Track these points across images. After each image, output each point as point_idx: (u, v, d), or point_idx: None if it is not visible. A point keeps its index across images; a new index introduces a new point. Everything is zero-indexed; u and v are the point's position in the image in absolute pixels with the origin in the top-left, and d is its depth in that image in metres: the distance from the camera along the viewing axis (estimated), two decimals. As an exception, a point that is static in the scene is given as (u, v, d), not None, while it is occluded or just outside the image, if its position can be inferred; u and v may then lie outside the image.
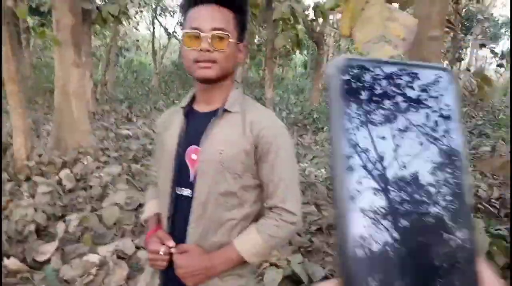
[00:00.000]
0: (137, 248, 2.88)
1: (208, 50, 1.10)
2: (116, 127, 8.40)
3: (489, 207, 4.33)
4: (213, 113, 1.17)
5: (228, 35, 1.12)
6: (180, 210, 1.17)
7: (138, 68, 27.12)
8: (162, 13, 23.21)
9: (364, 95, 0.26)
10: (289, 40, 8.45)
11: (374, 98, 0.27)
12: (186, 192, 1.16)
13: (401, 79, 0.28)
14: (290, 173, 1.15)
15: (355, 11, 1.73)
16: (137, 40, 22.80)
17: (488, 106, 10.79)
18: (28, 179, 4.48)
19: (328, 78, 0.27)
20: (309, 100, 13.56)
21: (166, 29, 23.85)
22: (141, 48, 23.99)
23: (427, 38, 1.98)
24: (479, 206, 4.34)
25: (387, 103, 0.27)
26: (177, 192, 1.17)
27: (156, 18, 21.29)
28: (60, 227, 2.95)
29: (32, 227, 3.07)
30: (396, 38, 1.54)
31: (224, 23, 1.13)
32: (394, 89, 0.27)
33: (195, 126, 1.18)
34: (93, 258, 2.52)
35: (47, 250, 2.76)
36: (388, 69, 0.28)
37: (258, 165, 1.14)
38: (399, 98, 0.27)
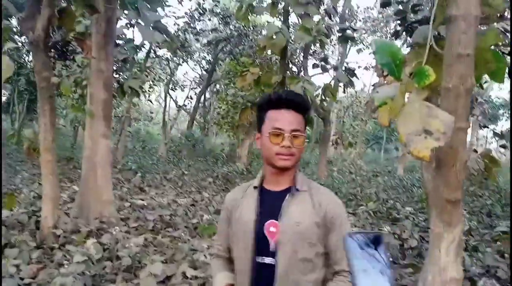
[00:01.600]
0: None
1: (289, 147, 1.37)
2: (130, 197, 8.53)
3: (509, 287, 4.34)
4: (284, 192, 1.41)
5: (303, 135, 1.41)
6: (261, 277, 1.35)
7: (146, 138, 27.88)
8: (173, 87, 24.34)
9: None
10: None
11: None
12: (267, 260, 1.35)
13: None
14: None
15: (395, 106, 2.01)
16: (151, 112, 23.64)
17: (493, 185, 10.97)
18: (53, 248, 4.58)
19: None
20: (316, 174, 13.78)
21: (176, 102, 24.88)
22: (152, 119, 24.75)
23: (455, 129, 2.23)
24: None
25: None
26: (257, 260, 1.36)
27: (168, 93, 22.27)
28: (99, 296, 3.01)
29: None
30: (437, 131, 1.79)
31: (300, 125, 1.41)
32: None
33: (270, 203, 1.41)
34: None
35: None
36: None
37: (326, 235, 1.36)
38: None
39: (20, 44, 19.17)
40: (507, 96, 21.78)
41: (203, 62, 23.73)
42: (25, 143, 4.78)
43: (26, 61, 21.01)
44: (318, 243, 1.36)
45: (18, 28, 16.01)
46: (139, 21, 4.60)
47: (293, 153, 1.39)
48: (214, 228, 5.82)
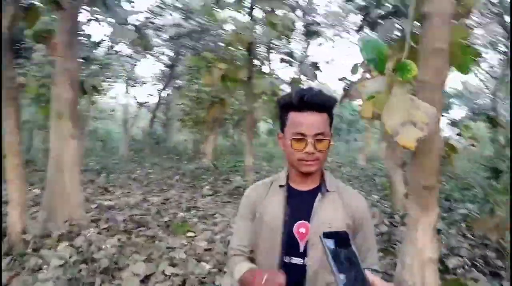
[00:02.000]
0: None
1: (313, 153, 1.33)
2: (96, 199, 8.31)
3: (473, 267, 4.62)
4: (313, 192, 1.39)
5: (328, 139, 1.36)
6: (288, 276, 1.27)
7: (104, 137, 27.07)
8: (133, 83, 23.75)
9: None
10: (269, 111, 8.97)
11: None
12: (295, 260, 1.34)
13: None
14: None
15: (380, 99, 2.09)
16: (113, 110, 22.97)
17: (450, 172, 11.53)
18: (23, 254, 4.40)
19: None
20: (281, 168, 13.95)
21: (136, 100, 24.29)
22: (113, 118, 24.05)
23: (432, 119, 2.33)
24: (464, 266, 4.62)
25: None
26: (285, 260, 1.34)
27: (127, 90, 21.75)
28: (82, 300, 2.95)
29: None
30: (421, 122, 1.88)
31: (324, 127, 1.36)
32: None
33: (298, 203, 1.38)
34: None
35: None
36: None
37: (353, 235, 1.36)
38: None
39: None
40: (460, 86, 22.91)
41: (164, 57, 23.30)
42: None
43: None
44: None
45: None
46: (108, 18, 4.46)
47: (318, 158, 1.35)
48: (187, 225, 5.79)
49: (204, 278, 3.96)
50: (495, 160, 7.97)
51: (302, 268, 1.33)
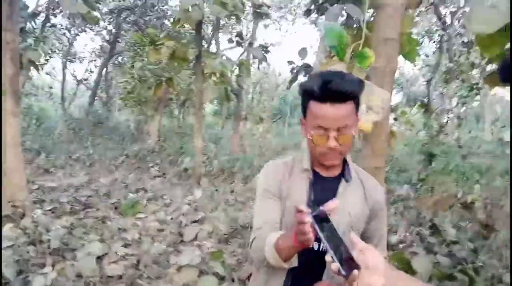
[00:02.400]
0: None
1: (335, 147, 1.24)
2: (36, 180, 7.93)
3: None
4: (336, 179, 1.37)
5: (352, 131, 1.24)
6: (306, 260, 1.31)
7: (39, 116, 25.53)
8: (71, 59, 22.52)
9: None
10: (218, 93, 8.97)
11: None
12: (315, 245, 1.32)
13: None
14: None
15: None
16: (51, 87, 21.64)
17: (388, 155, 12.21)
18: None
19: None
20: (228, 149, 14.05)
21: (75, 76, 23.09)
22: (51, 95, 22.70)
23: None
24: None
25: None
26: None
27: (66, 65, 20.59)
28: (38, 280, 2.87)
29: (-5, 285, 2.94)
30: (377, 107, 2.05)
31: (348, 119, 1.22)
32: None
33: (321, 188, 1.34)
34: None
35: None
36: None
37: (368, 221, 1.39)
38: None
39: None
40: (397, 73, 24.06)
41: (104, 32, 22.23)
42: None
43: None
44: (363, 229, 1.39)
45: None
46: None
47: (341, 152, 1.27)
48: (138, 206, 5.74)
49: (158, 258, 3.99)
50: (429, 145, 8.61)
51: (319, 253, 1.32)
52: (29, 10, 11.66)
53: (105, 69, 22.62)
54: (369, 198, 1.37)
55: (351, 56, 2.20)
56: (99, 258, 3.83)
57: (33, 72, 15.56)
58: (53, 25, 17.27)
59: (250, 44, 9.65)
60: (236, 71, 10.05)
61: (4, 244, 3.34)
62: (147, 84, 15.55)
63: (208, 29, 17.27)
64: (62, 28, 18.97)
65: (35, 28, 15.19)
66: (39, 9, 15.28)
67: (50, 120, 23.48)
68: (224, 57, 9.17)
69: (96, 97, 23.15)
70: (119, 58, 23.42)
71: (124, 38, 20.80)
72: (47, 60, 18.94)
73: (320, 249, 1.33)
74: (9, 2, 5.06)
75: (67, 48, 20.68)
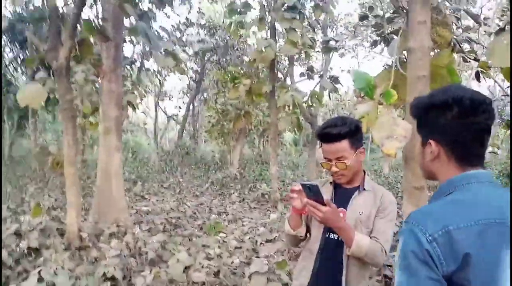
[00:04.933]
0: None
1: (336, 171, 1.84)
2: (135, 205, 9.11)
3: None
4: (354, 189, 1.91)
5: (345, 161, 1.80)
6: (328, 247, 1.87)
7: (135, 149, 28.24)
8: (162, 97, 24.87)
9: None
10: (291, 123, 9.61)
11: None
12: (332, 235, 1.86)
13: None
14: (390, 228, 1.86)
15: (371, 118, 2.71)
16: (145, 123, 24.13)
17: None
18: (79, 248, 5.17)
19: None
20: (305, 176, 14.49)
21: (165, 112, 25.39)
22: (146, 131, 25.21)
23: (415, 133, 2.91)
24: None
25: None
26: (326, 236, 1.89)
27: (158, 103, 22.84)
28: (139, 281, 3.64)
29: (107, 284, 3.76)
30: (400, 136, 2.49)
31: (342, 152, 1.80)
32: None
33: (341, 196, 1.91)
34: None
35: (128, 300, 3.44)
36: None
37: (375, 219, 1.86)
38: None
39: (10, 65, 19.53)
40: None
41: (190, 72, 24.34)
42: (50, 157, 5.35)
43: (15, 78, 21.35)
44: (371, 226, 1.83)
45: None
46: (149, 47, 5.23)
47: (342, 174, 1.84)
48: (220, 226, 6.47)
49: (235, 269, 4.60)
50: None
51: (337, 242, 1.83)
52: (127, 55, 13.47)
53: (191, 105, 24.61)
54: (378, 202, 1.86)
55: (382, 94, 2.67)
56: (186, 268, 4.54)
57: (130, 111, 17.63)
58: (147, 69, 19.45)
59: (321, 76, 10.21)
60: (309, 102, 10.63)
61: (113, 253, 4.19)
62: (228, 117, 16.75)
63: (284, 62, 18.24)
64: (154, 71, 21.18)
65: (131, 74, 17.33)
66: (134, 55, 17.47)
67: (144, 153, 25.88)
68: (297, 89, 9.82)
69: (184, 131, 25.15)
70: (204, 95, 25.38)
71: (208, 77, 22.63)
72: (141, 100, 21.27)
73: (339, 238, 1.82)
74: (113, 58, 6.25)
75: (158, 89, 22.94)
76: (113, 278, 3.95)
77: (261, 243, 5.86)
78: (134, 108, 12.12)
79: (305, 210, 1.78)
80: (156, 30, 9.24)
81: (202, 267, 4.48)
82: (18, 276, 4.37)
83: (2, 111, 14.50)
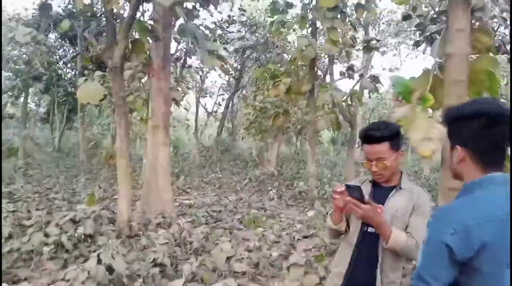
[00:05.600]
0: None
1: (375, 171, 2.00)
2: (177, 198, 9.53)
3: None
4: (391, 188, 2.07)
5: (384, 162, 1.96)
6: (365, 240, 2.05)
7: (176, 144, 29.06)
8: (203, 94, 25.44)
9: None
10: (330, 121, 9.70)
11: None
12: (370, 229, 2.04)
13: None
14: (423, 225, 1.91)
15: (408, 121, 2.85)
16: (187, 120, 24.88)
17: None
18: (129, 236, 5.57)
19: None
20: (343, 175, 14.49)
21: (206, 109, 25.97)
22: (188, 127, 25.93)
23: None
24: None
25: None
26: (364, 229, 2.07)
27: (199, 100, 23.41)
28: (186, 267, 3.95)
29: (156, 270, 4.09)
30: (436, 138, 2.62)
31: (382, 153, 1.96)
32: None
33: (380, 194, 2.08)
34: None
35: (176, 285, 3.75)
36: None
37: (410, 216, 2.00)
38: None
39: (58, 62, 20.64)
40: None
41: (231, 69, 24.79)
42: (104, 151, 5.78)
43: (64, 73, 22.52)
44: (407, 222, 1.97)
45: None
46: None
47: (381, 173, 2.00)
48: (259, 220, 6.72)
49: (273, 261, 4.83)
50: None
51: (375, 235, 2.00)
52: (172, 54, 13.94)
53: (231, 102, 25.06)
54: (414, 200, 2.01)
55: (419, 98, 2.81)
56: (228, 258, 4.82)
57: (173, 107, 18.21)
58: (189, 66, 20.00)
59: (361, 75, 10.20)
60: (348, 101, 10.66)
61: (161, 241, 4.53)
62: (267, 115, 16.95)
63: (324, 60, 18.24)
64: (196, 68, 21.73)
65: (175, 71, 17.90)
66: (178, 53, 17.99)
67: (185, 148, 26.62)
68: (336, 88, 9.88)
69: (223, 127, 25.65)
70: (243, 92, 25.76)
71: (247, 74, 22.98)
72: (184, 96, 21.88)
73: (375, 232, 1.99)
74: (163, 56, 6.61)
75: (200, 85, 23.52)
76: (161, 264, 4.28)
77: (298, 239, 6.05)
78: (178, 105, 12.52)
79: (346, 208, 1.98)
80: (200, 27, 9.57)
81: (243, 258, 4.74)
82: (75, 260, 4.81)
83: (1, 109, 15.24)
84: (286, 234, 6.34)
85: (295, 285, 3.59)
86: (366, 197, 2.02)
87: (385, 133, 1.97)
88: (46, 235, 5.15)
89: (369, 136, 1.99)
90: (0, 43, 5.02)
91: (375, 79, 9.96)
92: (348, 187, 1.90)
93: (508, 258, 1.15)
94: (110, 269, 3.76)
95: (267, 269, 4.54)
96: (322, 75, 16.93)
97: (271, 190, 11.47)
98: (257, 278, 4.29)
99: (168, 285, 3.82)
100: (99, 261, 3.77)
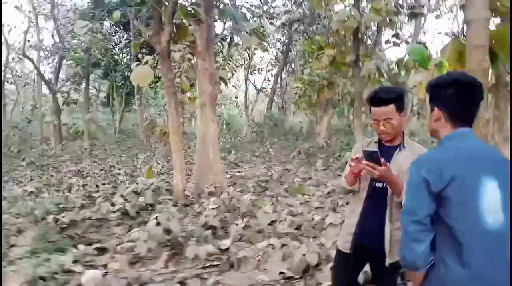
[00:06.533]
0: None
1: (383, 129, 2.15)
2: (229, 171, 10.11)
3: None
4: (395, 147, 2.27)
5: (391, 121, 2.12)
6: (374, 193, 2.28)
7: (228, 121, 29.86)
8: (252, 71, 25.81)
9: None
10: (375, 92, 9.71)
11: None
12: (378, 184, 2.28)
13: None
14: None
15: (421, 86, 3.05)
16: (236, 97, 25.50)
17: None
18: (185, 205, 6.18)
19: None
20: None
21: (255, 85, 26.39)
22: (237, 104, 26.59)
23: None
24: None
25: None
26: (373, 184, 2.30)
27: (248, 77, 23.84)
28: (233, 228, 4.43)
29: (208, 231, 4.60)
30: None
31: (389, 114, 2.12)
32: None
33: (385, 153, 2.24)
34: (260, 245, 3.95)
35: (225, 243, 4.24)
36: None
37: None
38: None
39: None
40: None
41: (278, 44, 24.86)
42: (158, 129, 6.36)
43: (120, 58, 23.72)
44: None
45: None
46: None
47: (388, 132, 2.17)
48: (303, 189, 7.08)
49: (315, 224, 5.19)
50: None
51: (381, 189, 2.22)
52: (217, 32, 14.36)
53: (279, 77, 25.20)
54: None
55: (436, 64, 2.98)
56: (273, 222, 5.25)
57: (222, 85, 18.80)
58: (237, 44, 20.38)
59: (408, 42, 10.03)
60: (396, 70, 10.56)
61: (213, 206, 5.04)
62: (315, 88, 16.98)
63: (373, 29, 17.85)
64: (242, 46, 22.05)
65: (222, 49, 18.36)
66: (225, 32, 18.40)
67: (237, 125, 27.32)
68: (381, 57, 9.84)
69: (273, 103, 25.96)
70: (292, 66, 25.79)
71: (295, 47, 22.95)
72: (232, 74, 22.38)
73: (383, 186, 2.25)
74: (206, 39, 7.01)
75: (248, 62, 23.86)
76: (212, 227, 4.80)
77: (342, 205, 6.34)
78: (226, 83, 12.97)
79: (361, 173, 2.24)
80: (242, 7, 9.84)
81: (286, 220, 5.15)
82: (138, 225, 5.46)
83: (1, 105, 16.29)
84: (330, 201, 6.64)
85: (329, 242, 3.92)
86: (382, 160, 2.30)
87: (391, 96, 2.17)
88: (113, 205, 5.88)
89: (378, 99, 2.19)
90: (0, 43, 5.48)
91: (422, 45, 9.77)
92: (365, 152, 2.15)
93: (475, 190, 1.45)
94: (167, 231, 4.32)
95: (308, 230, 4.91)
96: (372, 45, 16.65)
97: (318, 161, 11.73)
98: (298, 238, 4.67)
99: (218, 244, 4.31)
100: (157, 224, 4.34)
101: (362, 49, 10.39)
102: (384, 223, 2.28)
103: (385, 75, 9.30)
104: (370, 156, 2.15)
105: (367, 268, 2.69)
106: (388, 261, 2.29)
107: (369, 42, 17.09)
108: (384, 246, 2.28)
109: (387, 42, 10.37)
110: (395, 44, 10.22)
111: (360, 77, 9.94)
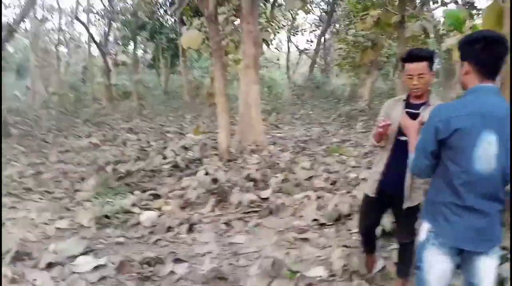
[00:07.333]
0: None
1: (416, 84, 2.42)
2: (270, 132, 10.49)
3: None
4: (421, 104, 2.53)
5: (424, 77, 2.40)
6: (399, 147, 2.53)
7: (270, 83, 29.95)
8: (294, 32, 25.52)
9: None
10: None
11: None
12: (402, 138, 2.53)
13: None
14: None
15: (454, 49, 3.21)
16: (278, 59, 25.47)
17: None
18: (228, 160, 6.66)
19: None
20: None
21: (297, 47, 26.16)
22: (279, 66, 26.56)
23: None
24: None
25: None
26: (398, 138, 2.59)
27: (290, 38, 23.66)
28: (273, 180, 4.85)
29: (250, 183, 5.05)
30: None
31: (423, 70, 2.39)
32: None
33: (412, 109, 2.54)
34: (297, 196, 4.34)
35: (265, 193, 4.68)
36: None
37: None
38: None
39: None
40: None
41: (322, 3, 24.31)
42: (205, 90, 6.77)
43: (165, 21, 24.15)
44: None
45: None
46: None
47: (420, 87, 2.43)
48: (339, 149, 7.35)
49: (350, 181, 5.52)
50: None
51: (406, 142, 2.35)
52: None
53: (323, 38, 24.79)
54: None
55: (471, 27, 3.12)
56: (310, 178, 5.62)
57: (264, 47, 18.84)
58: (280, 5, 20.16)
59: (456, 2, 9.70)
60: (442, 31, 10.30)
61: (254, 161, 5.46)
62: (359, 49, 16.67)
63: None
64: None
65: (265, 10, 18.25)
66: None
67: (278, 87, 27.43)
68: (427, 18, 9.62)
69: (315, 65, 25.73)
70: (336, 26, 25.21)
71: (340, 7, 22.38)
72: (275, 35, 22.27)
73: (406, 140, 2.54)
74: (250, 2, 7.21)
75: (290, 23, 23.59)
76: (254, 180, 5.24)
77: (378, 164, 6.59)
78: (268, 45, 13.07)
79: (387, 132, 2.53)
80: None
81: (322, 176, 5.51)
82: (187, 176, 6.00)
83: (1, 98, 16.81)
84: (367, 161, 6.89)
85: (361, 194, 4.24)
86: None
87: (425, 54, 2.45)
88: (164, 158, 6.46)
89: (413, 56, 2.42)
90: (0, 43, 5.77)
91: (470, 5, 9.45)
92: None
93: (472, 141, 1.73)
94: (214, 180, 4.80)
95: (343, 185, 5.25)
96: (420, 5, 16.02)
97: (359, 124, 11.85)
98: (332, 190, 5.03)
99: (259, 193, 4.76)
100: (206, 174, 4.82)
101: (410, 9, 10.17)
102: (405, 173, 2.59)
103: (431, 35, 9.11)
104: (412, 116, 2.40)
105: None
106: (407, 205, 2.61)
107: (417, 1, 16.49)
108: (403, 193, 2.60)
109: (435, 2, 10.04)
110: (443, 3, 9.90)
111: (405, 38, 9.80)
